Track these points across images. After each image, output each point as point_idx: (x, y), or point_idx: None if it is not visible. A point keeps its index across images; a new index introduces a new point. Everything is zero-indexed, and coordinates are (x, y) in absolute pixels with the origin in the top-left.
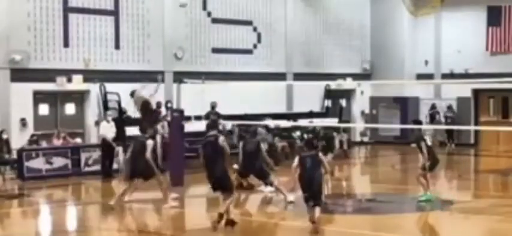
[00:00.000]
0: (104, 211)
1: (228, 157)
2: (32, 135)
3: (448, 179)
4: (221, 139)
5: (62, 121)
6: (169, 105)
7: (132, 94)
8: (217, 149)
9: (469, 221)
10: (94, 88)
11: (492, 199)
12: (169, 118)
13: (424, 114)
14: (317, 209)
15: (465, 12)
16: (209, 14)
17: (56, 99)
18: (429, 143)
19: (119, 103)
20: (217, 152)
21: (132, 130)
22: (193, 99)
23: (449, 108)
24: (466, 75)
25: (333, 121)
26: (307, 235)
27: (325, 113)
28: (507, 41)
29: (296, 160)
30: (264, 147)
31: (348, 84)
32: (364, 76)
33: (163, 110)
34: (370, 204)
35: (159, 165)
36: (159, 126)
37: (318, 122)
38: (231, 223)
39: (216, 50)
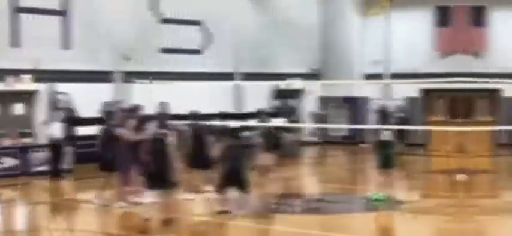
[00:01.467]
0: (53, 211)
1: (174, 155)
2: None
3: (398, 179)
4: (169, 138)
5: (10, 121)
6: (121, 104)
7: None
8: (165, 146)
9: (418, 221)
10: (44, 88)
11: (441, 199)
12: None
13: (373, 113)
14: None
15: (414, 12)
16: (159, 14)
17: (4, 99)
18: (386, 138)
19: (69, 103)
20: (164, 149)
21: (83, 130)
22: (143, 99)
23: (399, 107)
24: (415, 75)
25: (282, 121)
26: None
27: (275, 113)
28: (455, 41)
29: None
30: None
31: (296, 84)
32: (313, 76)
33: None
34: (319, 204)
35: None
36: None
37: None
38: (169, 222)
39: (165, 50)
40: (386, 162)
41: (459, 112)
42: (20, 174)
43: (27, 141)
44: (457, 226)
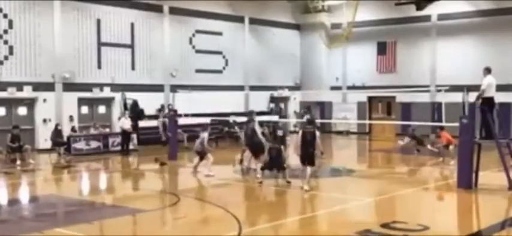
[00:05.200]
0: (124, 176)
1: None
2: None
3: (351, 156)
4: None
5: (96, 117)
6: (170, 106)
7: None
8: None
9: (366, 183)
10: (117, 96)
11: (380, 168)
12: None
13: (335, 113)
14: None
15: (362, 45)
16: (194, 47)
17: (92, 102)
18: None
19: (135, 105)
20: None
21: (143, 123)
22: (183, 103)
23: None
24: (363, 87)
25: (275, 118)
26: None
27: (270, 112)
28: (390, 65)
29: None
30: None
31: (285, 93)
32: (296, 87)
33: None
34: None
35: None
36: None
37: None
38: None
39: (198, 70)
40: None
41: (392, 112)
42: (102, 152)
43: (107, 130)
44: (391, 186)
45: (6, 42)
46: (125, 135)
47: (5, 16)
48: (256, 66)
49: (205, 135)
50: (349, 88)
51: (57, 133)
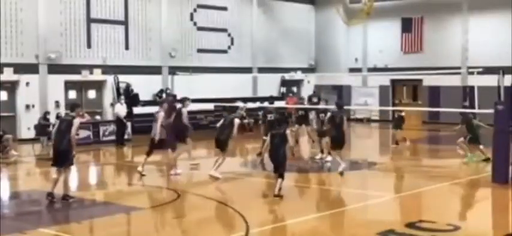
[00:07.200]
0: (117, 170)
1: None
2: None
3: (373, 147)
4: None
5: (85, 103)
6: (168, 91)
7: None
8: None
9: (389, 177)
10: (109, 79)
11: (405, 161)
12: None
13: (354, 98)
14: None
15: (385, 22)
16: (195, 24)
17: (81, 86)
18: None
19: (128, 89)
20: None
21: (138, 110)
22: (183, 87)
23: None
24: (385, 69)
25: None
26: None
27: (281, 97)
28: (416, 44)
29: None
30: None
31: (298, 75)
32: (310, 69)
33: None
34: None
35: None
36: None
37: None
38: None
39: (200, 50)
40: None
41: (418, 97)
42: (92, 143)
43: (97, 118)
44: (414, 181)
45: None
46: (120, 123)
47: None
48: (265, 45)
49: (161, 114)
50: (369, 70)
51: (45, 121)
